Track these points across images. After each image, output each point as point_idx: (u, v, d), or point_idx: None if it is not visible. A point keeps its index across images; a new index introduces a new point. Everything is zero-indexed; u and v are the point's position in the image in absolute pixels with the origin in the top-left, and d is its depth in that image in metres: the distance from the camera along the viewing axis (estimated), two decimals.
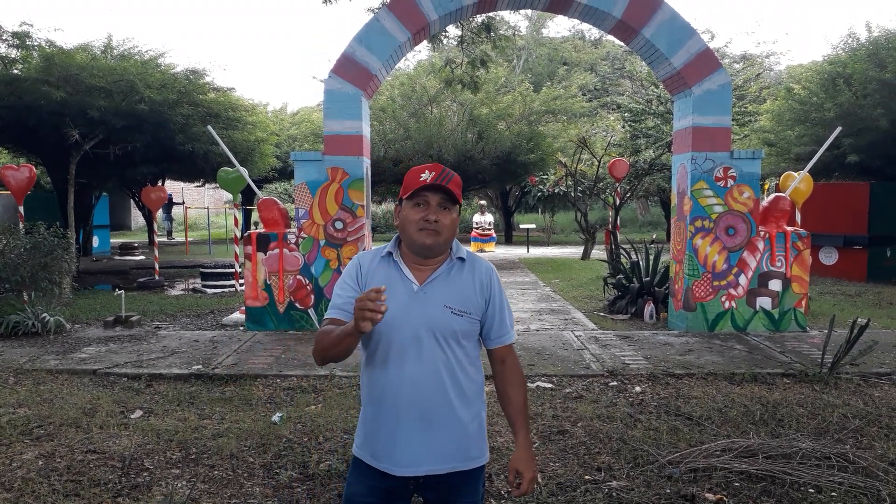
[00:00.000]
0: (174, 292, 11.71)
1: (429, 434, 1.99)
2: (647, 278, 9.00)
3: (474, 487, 2.09)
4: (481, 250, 20.57)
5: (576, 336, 7.39)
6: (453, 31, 10.26)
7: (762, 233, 7.60)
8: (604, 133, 25.33)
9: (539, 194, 27.20)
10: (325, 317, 2.08)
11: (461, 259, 2.08)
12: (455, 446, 2.03)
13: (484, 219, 21.38)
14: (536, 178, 25.67)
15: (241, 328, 7.87)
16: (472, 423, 2.07)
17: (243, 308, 8.10)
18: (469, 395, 2.06)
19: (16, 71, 11.03)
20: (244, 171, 8.99)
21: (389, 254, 2.07)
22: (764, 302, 7.60)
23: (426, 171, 2.00)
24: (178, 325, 8.23)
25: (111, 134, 12.03)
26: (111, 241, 21.57)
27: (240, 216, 11.69)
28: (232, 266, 11.68)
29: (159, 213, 26.68)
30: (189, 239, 24.52)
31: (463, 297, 2.03)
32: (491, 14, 9.58)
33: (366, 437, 2.07)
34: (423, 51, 33.62)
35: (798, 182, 8.40)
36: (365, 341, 2.06)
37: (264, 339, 7.17)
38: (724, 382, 5.58)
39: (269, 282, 7.65)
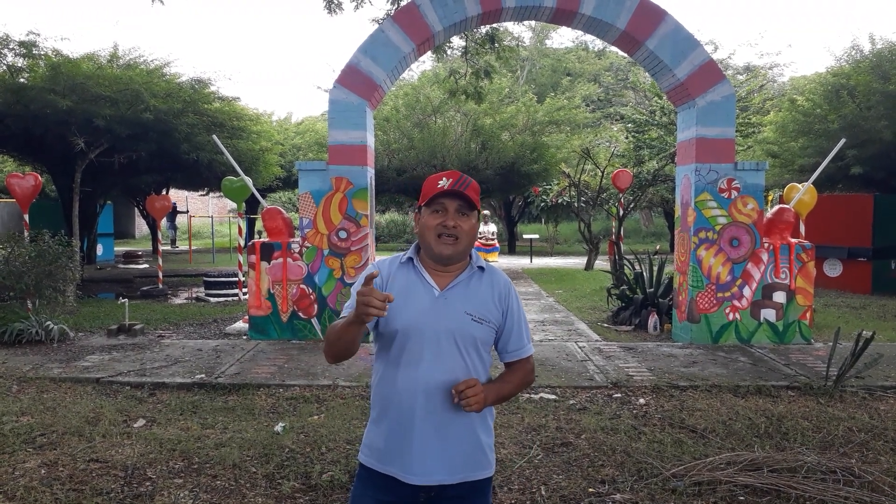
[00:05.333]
0: (177, 301, 11.72)
1: (444, 444, 1.99)
2: (651, 289, 8.99)
3: (484, 497, 2.09)
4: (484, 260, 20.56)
5: (579, 347, 7.37)
6: (457, 41, 10.30)
7: (766, 244, 7.59)
8: (607, 144, 25.36)
9: (542, 204, 27.24)
10: (340, 316, 2.09)
11: (481, 269, 2.10)
12: (468, 456, 2.02)
13: (487, 229, 21.40)
14: (540, 189, 25.70)
15: (245, 337, 7.86)
16: (485, 432, 2.07)
17: (247, 317, 8.10)
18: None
19: (22, 80, 11.11)
20: (248, 181, 9.03)
21: (410, 259, 2.08)
22: (768, 314, 7.58)
23: (444, 178, 2.01)
24: (181, 334, 8.23)
25: (116, 142, 12.10)
26: (115, 249, 21.63)
27: (244, 225, 11.74)
28: (235, 275, 11.69)
29: (163, 222, 26.81)
30: (193, 248, 24.56)
31: (482, 305, 2.05)
32: (495, 25, 9.62)
33: (376, 443, 2.05)
34: (427, 61, 33.74)
35: (802, 194, 8.40)
36: (383, 344, 2.06)
37: (267, 349, 7.16)
38: (729, 395, 5.55)
39: (272, 291, 7.66)
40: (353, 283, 7.74)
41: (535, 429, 4.68)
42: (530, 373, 2.16)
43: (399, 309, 2.00)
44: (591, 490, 3.70)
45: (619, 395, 5.58)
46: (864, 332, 6.03)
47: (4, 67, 10.87)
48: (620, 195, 15.76)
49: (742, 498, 3.56)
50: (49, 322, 7.51)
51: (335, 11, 9.12)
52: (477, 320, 2.02)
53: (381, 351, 2.08)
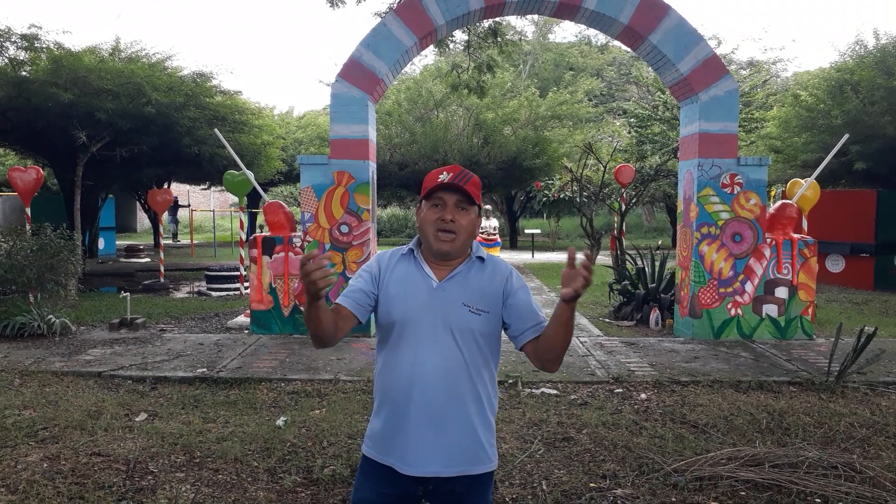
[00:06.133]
0: (179, 295, 11.73)
1: (439, 435, 1.98)
2: (653, 285, 8.98)
3: (484, 494, 2.08)
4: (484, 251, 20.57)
5: (581, 342, 7.37)
6: (460, 35, 10.28)
7: (769, 240, 7.57)
8: (610, 138, 25.33)
9: (544, 199, 27.21)
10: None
11: (480, 259, 2.08)
12: (464, 449, 2.01)
13: (489, 223, 21.32)
14: (542, 183, 25.67)
15: (246, 331, 7.87)
16: (484, 426, 2.05)
17: (248, 311, 8.11)
18: (483, 397, 2.04)
19: (24, 73, 11.08)
20: (250, 175, 9.01)
21: (411, 251, 2.09)
22: (770, 309, 7.57)
23: (444, 172, 2.01)
24: (182, 328, 8.24)
25: (118, 136, 12.09)
26: (117, 243, 21.63)
27: (245, 219, 11.71)
28: (237, 269, 11.69)
29: (165, 216, 26.79)
30: (194, 242, 24.57)
31: (481, 295, 2.02)
32: (498, 19, 9.58)
33: (375, 433, 2.06)
34: (429, 55, 33.70)
35: (805, 189, 8.37)
36: (382, 335, 2.07)
37: (269, 343, 7.16)
38: (730, 390, 5.55)
39: (274, 285, 7.66)
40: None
41: (536, 423, 4.68)
42: None
43: (397, 300, 2.01)
44: (592, 485, 3.70)
45: (620, 390, 5.58)
46: (867, 328, 6.02)
47: (6, 60, 10.84)
48: (623, 190, 15.70)
49: (743, 493, 3.56)
50: (51, 316, 7.52)
51: (337, 5, 9.10)
52: (475, 311, 2.00)
53: (381, 342, 2.09)
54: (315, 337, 1.96)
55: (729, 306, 7.55)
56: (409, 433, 1.98)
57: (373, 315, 2.11)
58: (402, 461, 1.99)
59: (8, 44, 10.64)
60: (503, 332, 2.11)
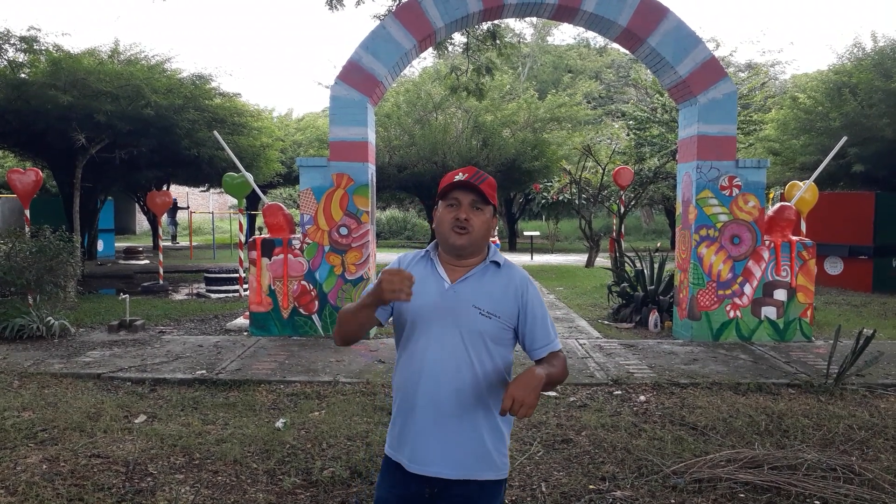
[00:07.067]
0: (178, 297, 11.72)
1: (443, 434, 1.99)
2: (652, 287, 8.98)
3: (493, 502, 2.06)
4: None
5: (580, 344, 7.37)
6: (459, 38, 10.29)
7: (767, 242, 7.58)
8: (608, 141, 25.34)
9: (543, 201, 27.24)
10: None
11: (496, 263, 2.09)
12: (470, 454, 2.00)
13: None
14: (540, 186, 25.70)
15: (245, 333, 7.87)
16: (492, 431, 2.03)
17: (247, 313, 8.10)
18: (492, 403, 2.02)
19: (23, 75, 11.08)
20: (249, 177, 9.01)
21: (428, 253, 2.12)
22: (769, 311, 7.58)
23: (460, 173, 2.04)
24: (182, 330, 8.24)
25: (117, 138, 12.09)
26: (116, 245, 21.61)
27: (244, 221, 11.70)
28: (236, 271, 11.69)
29: (164, 218, 26.80)
30: (193, 244, 24.55)
31: (493, 299, 2.03)
32: (496, 21, 9.60)
33: (393, 429, 2.12)
34: (428, 58, 33.73)
35: (803, 191, 8.39)
36: (397, 334, 2.11)
37: (268, 345, 7.16)
38: (729, 392, 5.55)
39: (273, 287, 7.66)
40: (353, 280, 7.71)
41: (535, 426, 4.69)
42: (565, 363, 2.10)
43: (411, 299, 2.04)
44: (591, 487, 3.71)
45: (619, 392, 5.59)
46: (865, 330, 6.04)
47: (5, 63, 10.84)
48: (621, 192, 15.74)
49: (742, 495, 3.57)
50: (50, 318, 7.51)
51: (336, 7, 9.11)
52: (485, 315, 2.00)
53: (398, 340, 2.14)
54: (345, 334, 2.04)
55: (728, 308, 7.56)
56: (415, 429, 2.01)
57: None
58: (410, 458, 2.02)
59: (7, 46, 10.65)
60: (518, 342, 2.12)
